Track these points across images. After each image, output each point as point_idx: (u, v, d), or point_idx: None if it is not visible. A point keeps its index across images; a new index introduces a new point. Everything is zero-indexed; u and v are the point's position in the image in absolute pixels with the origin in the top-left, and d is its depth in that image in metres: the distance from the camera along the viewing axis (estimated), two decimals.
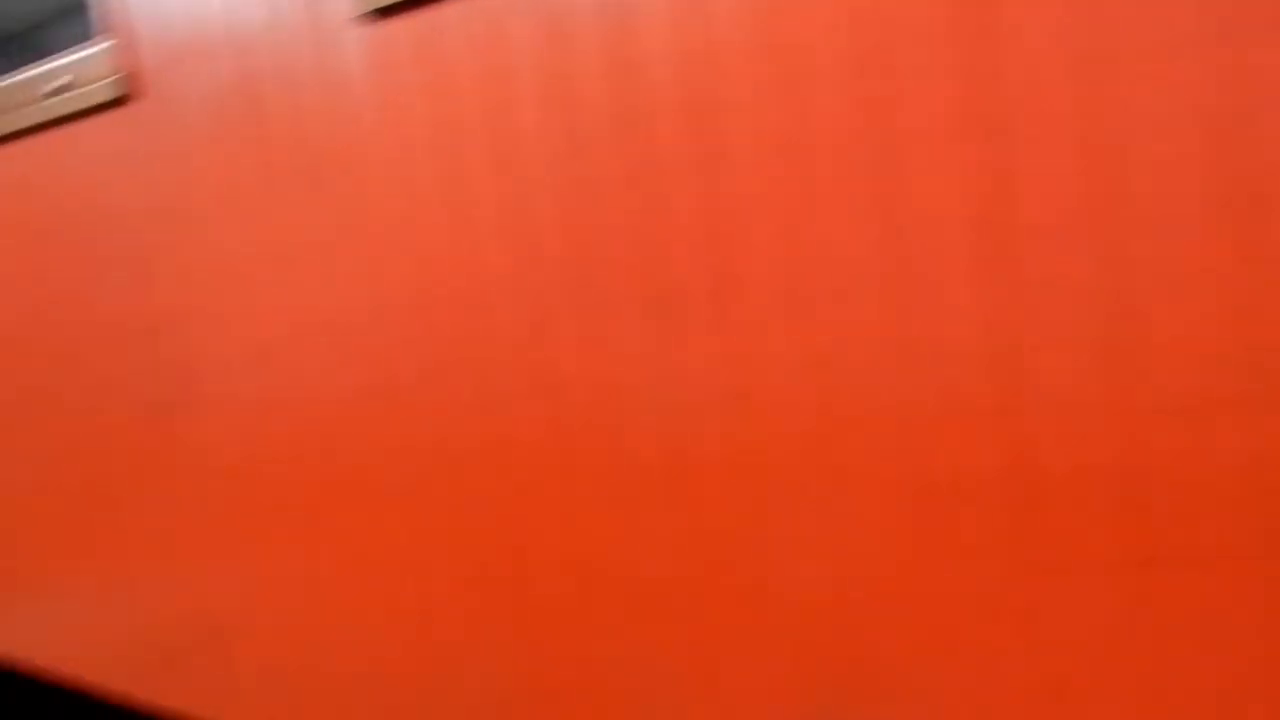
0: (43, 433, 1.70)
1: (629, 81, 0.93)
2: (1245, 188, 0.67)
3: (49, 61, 1.51)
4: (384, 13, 1.10)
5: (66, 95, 1.46)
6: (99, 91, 1.41)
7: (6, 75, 1.59)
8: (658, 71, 0.91)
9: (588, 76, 0.96)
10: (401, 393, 1.19)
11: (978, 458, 0.80)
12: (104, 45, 1.40)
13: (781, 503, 0.91)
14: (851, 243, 0.83)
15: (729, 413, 0.93)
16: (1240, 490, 0.70)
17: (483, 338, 1.11)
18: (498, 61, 1.02)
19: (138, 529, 1.58)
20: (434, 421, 1.17)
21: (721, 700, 0.99)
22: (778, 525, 0.92)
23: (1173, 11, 0.68)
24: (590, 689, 1.10)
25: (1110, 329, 0.73)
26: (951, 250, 0.78)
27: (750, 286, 0.89)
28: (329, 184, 1.19)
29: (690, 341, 0.94)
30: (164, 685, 1.61)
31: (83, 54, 1.44)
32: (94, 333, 1.54)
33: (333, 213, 1.20)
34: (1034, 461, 0.78)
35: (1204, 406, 0.71)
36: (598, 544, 1.05)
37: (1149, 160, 0.70)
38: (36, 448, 1.72)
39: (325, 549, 1.32)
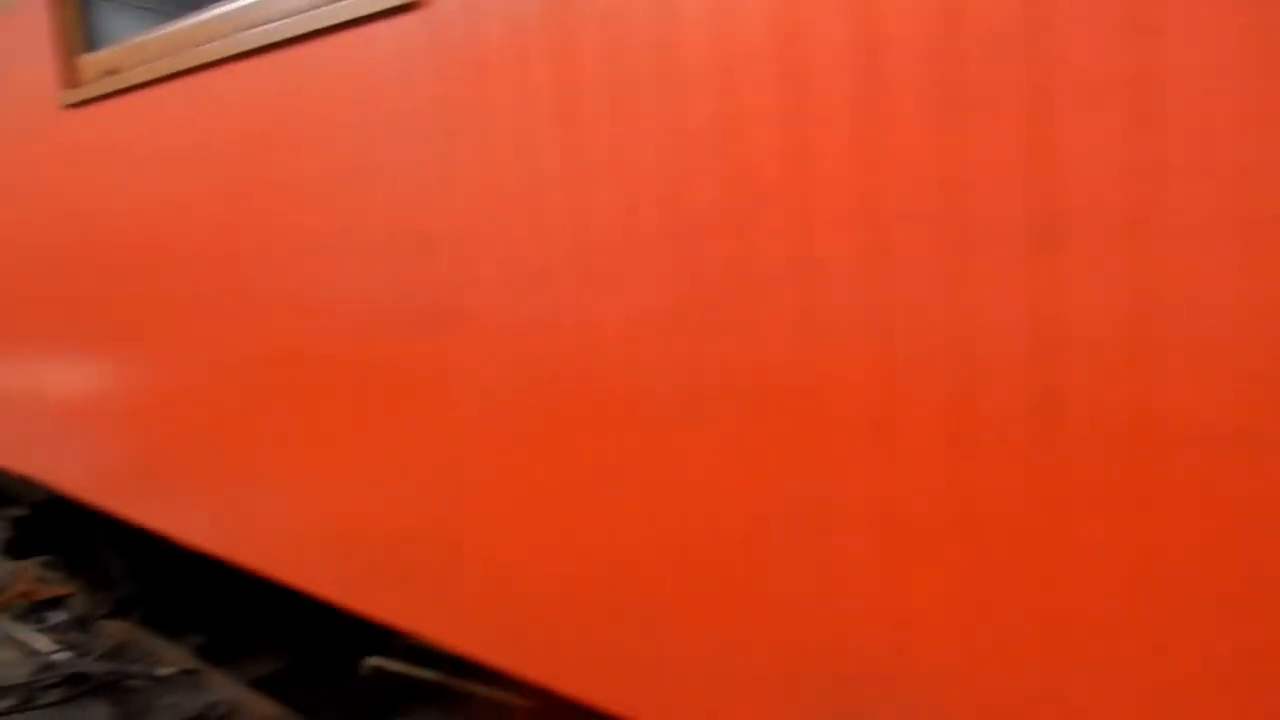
0: (307, 344, 1.66)
1: None
2: None
3: None
4: None
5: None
6: None
7: None
8: None
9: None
10: (683, 316, 1.12)
11: None
12: None
13: None
14: None
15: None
16: None
17: (765, 265, 1.04)
18: None
19: (392, 445, 1.54)
20: (705, 349, 1.10)
21: None
22: None
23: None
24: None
25: None
26: None
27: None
28: (638, 97, 1.12)
29: (992, 277, 0.89)
30: (393, 598, 1.59)
31: None
32: (366, 244, 1.49)
33: (638, 127, 1.12)
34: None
35: None
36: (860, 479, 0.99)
37: None
38: (298, 358, 1.68)
39: (580, 472, 1.27)
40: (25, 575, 4.58)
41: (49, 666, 3.38)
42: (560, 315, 1.25)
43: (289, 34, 1.53)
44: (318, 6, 1.48)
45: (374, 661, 2.22)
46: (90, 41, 2.09)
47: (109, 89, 1.97)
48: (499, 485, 1.37)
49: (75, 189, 2.12)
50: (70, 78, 2.08)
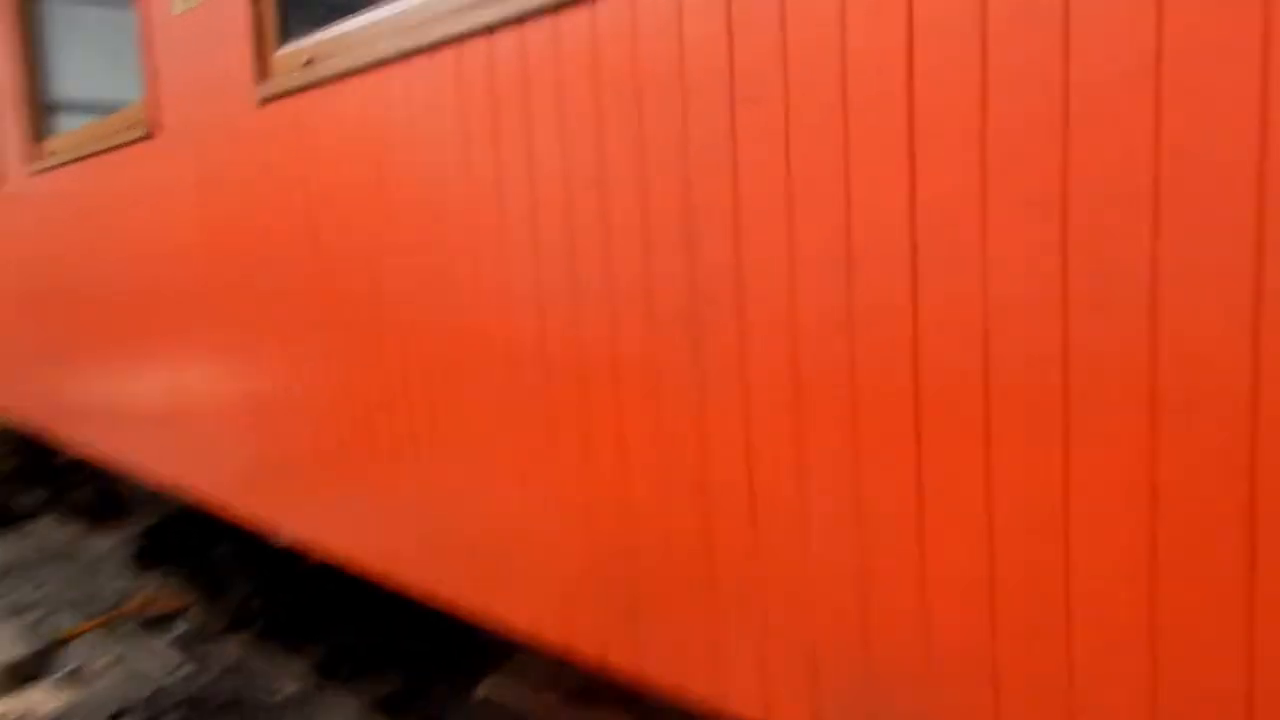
0: (521, 338, 1.55)
1: None
2: None
3: None
4: None
5: None
6: None
7: None
8: None
9: None
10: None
11: None
12: None
13: None
14: None
15: None
16: None
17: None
18: None
19: (623, 447, 1.43)
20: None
21: None
22: None
23: None
24: None
25: None
26: None
27: None
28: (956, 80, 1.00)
29: None
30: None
31: None
32: (627, 228, 1.37)
33: (956, 112, 1.00)
34: None
35: None
36: None
37: None
38: (527, 352, 1.57)
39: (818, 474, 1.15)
40: (146, 587, 4.60)
41: (165, 687, 3.36)
42: (872, 307, 1.10)
43: (516, 12, 1.44)
44: None
45: (488, 687, 2.17)
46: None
47: (306, 81, 1.92)
48: (784, 502, 1.22)
49: (269, 182, 2.08)
50: (264, 70, 2.05)
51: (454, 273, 1.67)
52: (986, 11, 0.96)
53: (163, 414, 2.80)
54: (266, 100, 2.04)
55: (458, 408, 1.71)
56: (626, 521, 1.42)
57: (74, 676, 3.56)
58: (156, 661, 3.70)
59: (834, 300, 1.12)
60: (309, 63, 1.92)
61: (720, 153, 1.22)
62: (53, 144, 3.21)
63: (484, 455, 1.67)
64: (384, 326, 1.86)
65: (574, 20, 1.38)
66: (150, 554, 4.46)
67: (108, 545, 5.24)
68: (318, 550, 2.22)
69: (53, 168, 3.14)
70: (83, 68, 3.45)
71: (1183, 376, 0.86)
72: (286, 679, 3.33)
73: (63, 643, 3.88)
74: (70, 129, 3.37)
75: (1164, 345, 0.87)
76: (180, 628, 4.22)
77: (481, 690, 2.20)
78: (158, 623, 4.32)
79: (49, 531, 5.74)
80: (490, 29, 1.51)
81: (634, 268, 1.35)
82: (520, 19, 1.45)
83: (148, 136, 2.48)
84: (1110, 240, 0.90)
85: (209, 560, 4.16)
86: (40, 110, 3.28)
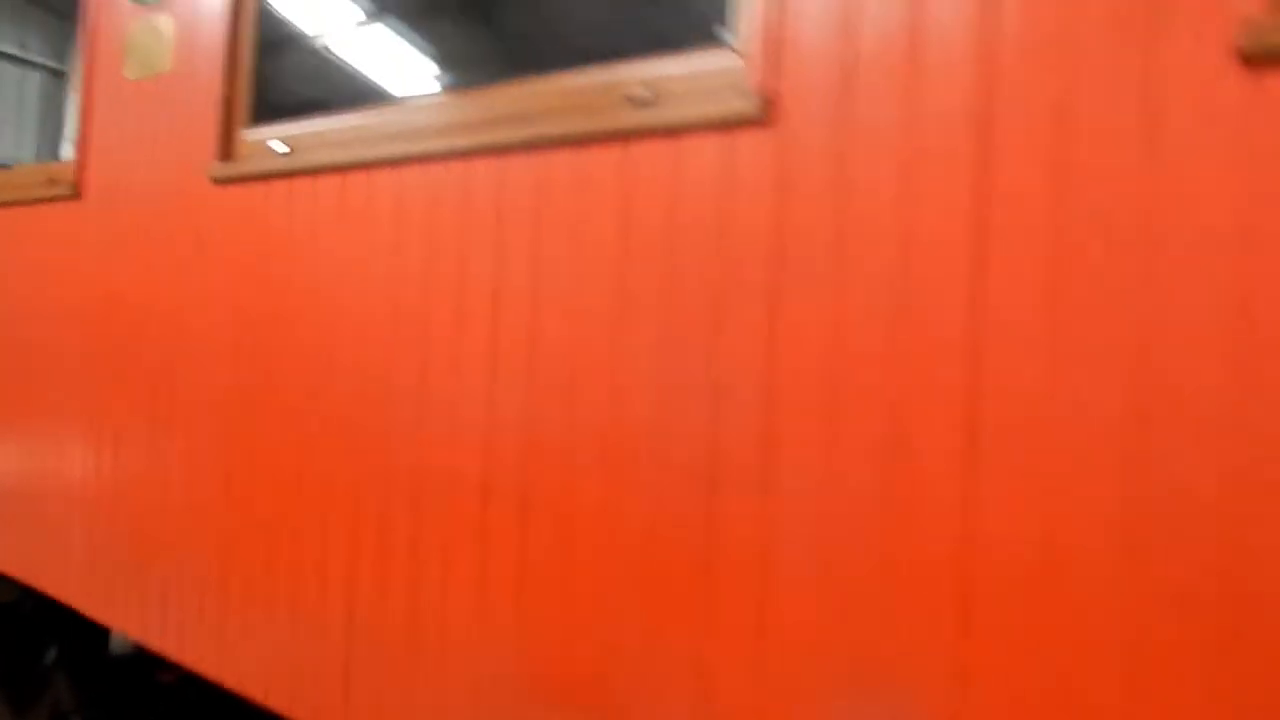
0: (560, 497, 1.40)
1: None
2: None
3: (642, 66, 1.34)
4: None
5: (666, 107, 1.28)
6: (725, 102, 1.22)
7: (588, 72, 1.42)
8: None
9: None
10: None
11: None
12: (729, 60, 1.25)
13: None
14: None
15: None
16: None
17: None
18: None
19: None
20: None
21: None
22: None
23: None
24: None
25: None
26: None
27: None
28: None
29: None
30: None
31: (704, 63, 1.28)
32: (642, 371, 1.28)
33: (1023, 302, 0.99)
34: None
35: None
36: None
37: None
38: (547, 513, 1.41)
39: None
40: None
41: None
42: (916, 497, 1.06)
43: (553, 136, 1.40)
44: (605, 110, 1.36)
45: None
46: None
47: (275, 168, 1.81)
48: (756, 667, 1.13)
49: (204, 263, 1.92)
50: (227, 150, 1.93)
51: (402, 395, 1.56)
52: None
53: (10, 490, 2.49)
54: (223, 180, 1.91)
55: (390, 540, 1.56)
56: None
57: None
58: None
59: (873, 486, 1.08)
60: (289, 152, 1.81)
61: (756, 309, 1.18)
62: None
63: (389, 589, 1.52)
64: (307, 439, 1.71)
65: (604, 157, 1.34)
66: None
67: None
68: (163, 653, 1.99)
69: None
70: None
71: None
72: None
73: None
74: None
75: None
76: None
77: None
78: None
79: None
80: (500, 150, 1.46)
81: (645, 412, 1.28)
82: (543, 146, 1.41)
83: (73, 196, 2.28)
84: None
85: (29, 663, 3.66)
86: None
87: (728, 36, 1.29)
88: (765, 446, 1.18)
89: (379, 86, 2.97)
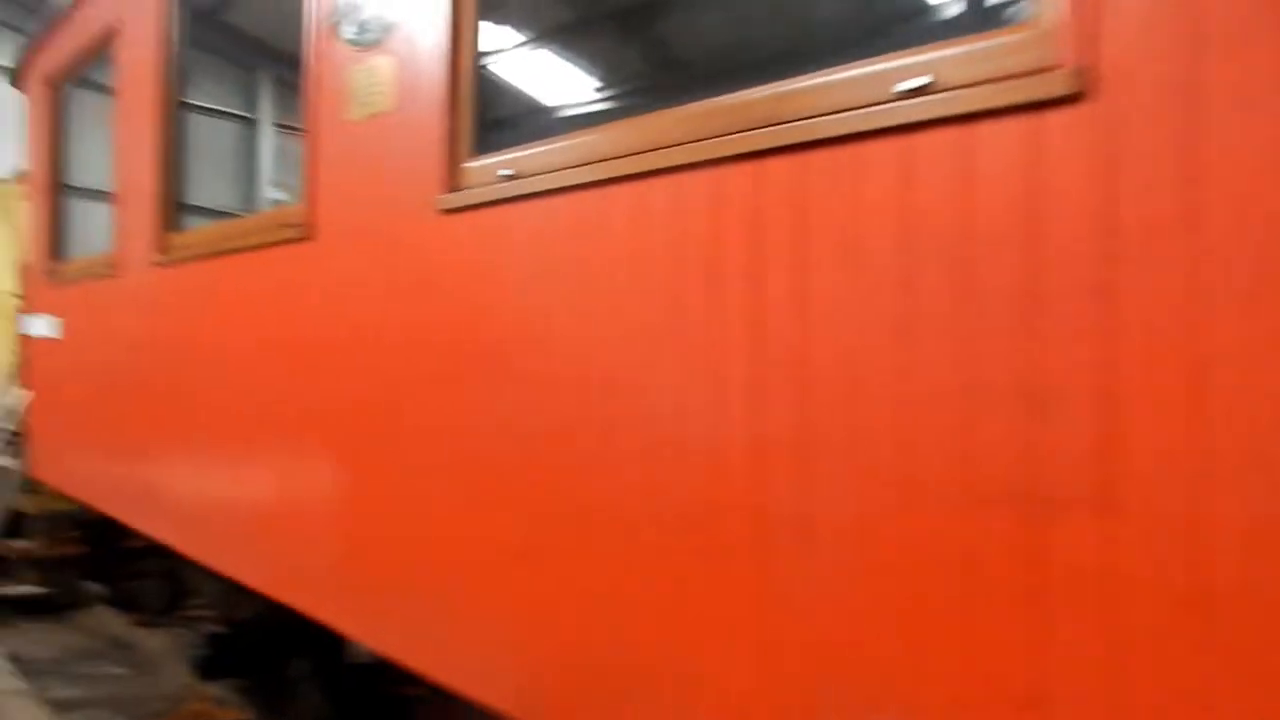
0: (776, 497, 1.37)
1: None
2: None
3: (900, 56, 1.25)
4: None
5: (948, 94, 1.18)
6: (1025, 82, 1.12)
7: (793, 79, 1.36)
8: None
9: None
10: None
11: None
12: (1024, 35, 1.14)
13: None
14: None
15: None
16: None
17: None
18: None
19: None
20: None
21: None
22: None
23: None
24: None
25: None
26: None
27: None
28: None
29: None
30: None
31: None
32: (958, 393, 1.18)
33: None
34: None
35: None
36: None
37: None
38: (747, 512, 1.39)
39: None
40: (200, 695, 4.35)
41: None
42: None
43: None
44: (867, 105, 1.26)
45: None
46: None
47: (501, 195, 1.81)
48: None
49: (440, 294, 1.95)
50: (453, 180, 1.94)
51: (655, 416, 1.50)
52: None
53: (258, 511, 2.64)
54: (451, 211, 1.92)
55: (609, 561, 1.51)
56: None
57: None
58: None
59: (1261, 502, 0.93)
60: (511, 176, 1.81)
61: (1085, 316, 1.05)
62: (182, 238, 3.15)
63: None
64: (540, 461, 1.69)
65: (877, 154, 1.24)
66: (215, 661, 4.22)
67: (166, 643, 5.01)
68: (409, 667, 2.04)
69: (180, 261, 3.08)
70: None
71: None
72: None
73: None
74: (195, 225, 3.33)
75: None
76: None
77: None
78: None
79: (104, 623, 5.52)
80: (755, 155, 1.38)
81: (943, 427, 1.17)
82: (803, 147, 1.32)
83: (305, 238, 2.38)
84: None
85: (279, 671, 3.91)
86: (173, 206, 3.24)
87: (1019, 9, 1.16)
88: (1102, 460, 1.04)
89: (551, 104, 2.98)
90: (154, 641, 5.10)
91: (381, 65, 2.13)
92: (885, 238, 1.23)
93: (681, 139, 1.50)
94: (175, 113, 3.24)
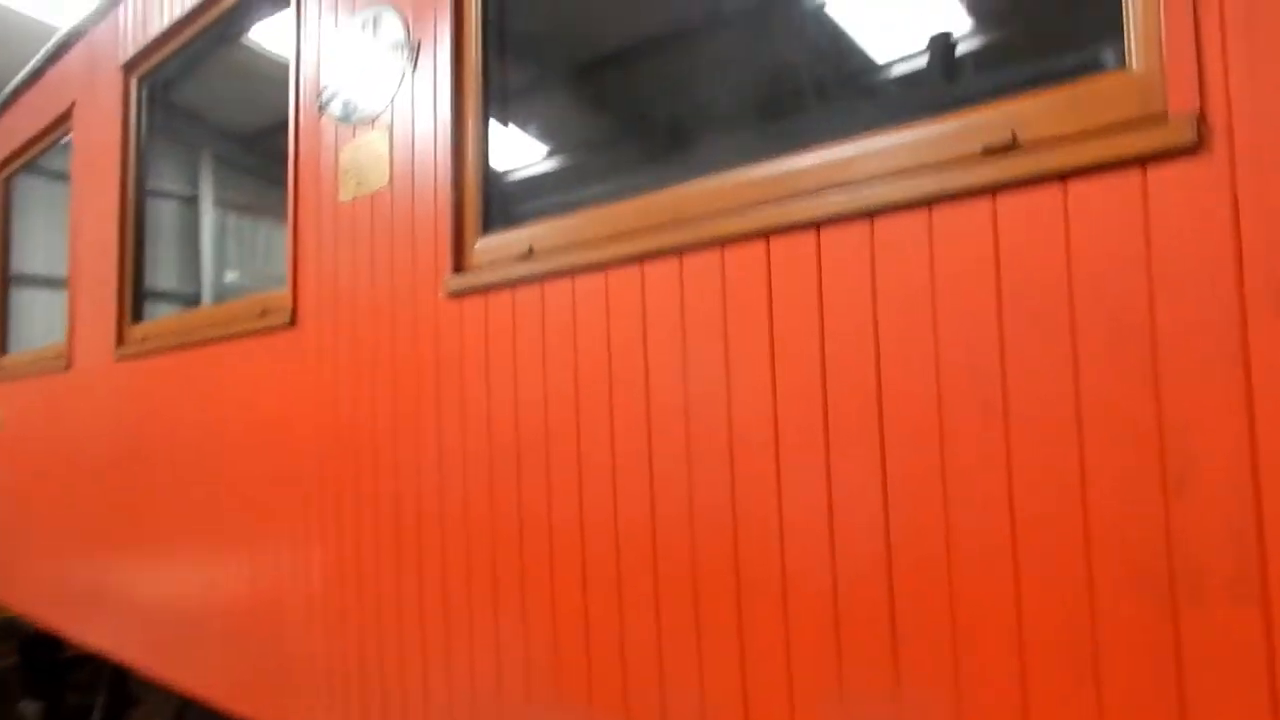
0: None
1: None
2: None
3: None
4: None
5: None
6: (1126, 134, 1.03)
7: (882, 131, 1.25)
8: None
9: None
10: None
11: None
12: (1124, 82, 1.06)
13: None
14: None
15: None
16: None
17: None
18: None
19: None
20: None
21: None
22: None
23: None
24: None
25: None
26: None
27: None
28: None
29: None
30: None
31: None
32: (1071, 471, 1.06)
33: None
34: None
35: None
36: None
37: None
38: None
39: None
40: None
41: None
42: None
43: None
44: (954, 166, 1.17)
45: None
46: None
47: (515, 275, 1.68)
48: None
49: (463, 384, 1.79)
50: (461, 261, 1.81)
51: (706, 505, 1.37)
52: None
53: (200, 613, 2.40)
54: (459, 293, 1.79)
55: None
56: None
57: None
58: None
59: None
60: (529, 253, 1.68)
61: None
62: (145, 329, 2.95)
63: None
64: (565, 554, 1.53)
65: (961, 217, 1.15)
66: None
67: None
68: None
69: (143, 354, 2.87)
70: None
71: None
72: None
73: None
74: (157, 315, 3.13)
75: None
76: None
77: None
78: None
79: None
80: (817, 223, 1.28)
81: (1056, 508, 1.06)
82: (875, 211, 1.22)
83: (288, 325, 2.22)
84: None
85: None
86: (136, 296, 3.04)
87: (1125, 56, 1.09)
88: (1254, 544, 0.93)
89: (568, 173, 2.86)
90: None
91: (375, 141, 2.01)
92: (974, 307, 1.13)
93: (728, 207, 1.40)
94: (138, 197, 3.07)
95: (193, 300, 5.11)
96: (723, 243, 1.38)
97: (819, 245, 1.28)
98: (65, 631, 3.40)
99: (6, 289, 4.26)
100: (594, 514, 1.55)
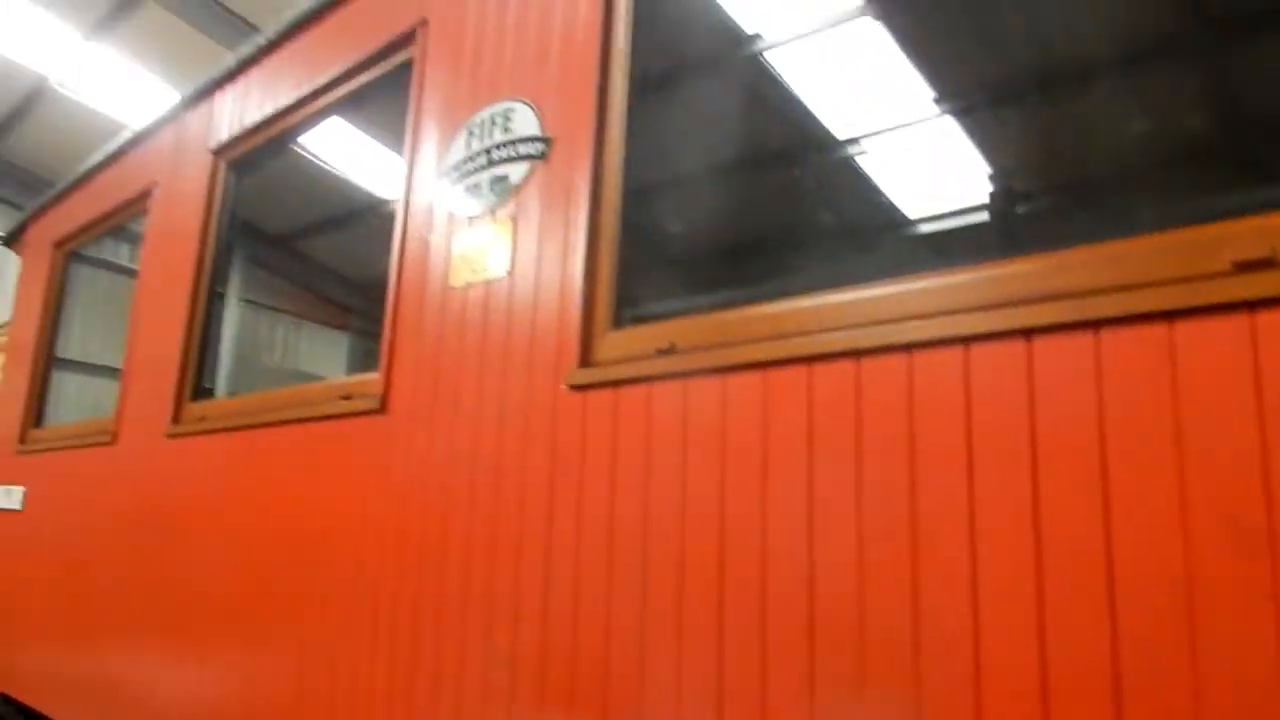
0: None
1: None
2: None
3: None
4: None
5: None
6: None
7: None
8: None
9: None
10: None
11: None
12: None
13: None
14: None
15: None
16: None
17: None
18: None
19: None
20: None
21: None
22: None
23: None
24: None
25: None
26: None
27: None
28: None
29: None
30: None
31: None
32: None
33: None
34: None
35: None
36: None
37: None
38: None
39: None
40: None
41: None
42: None
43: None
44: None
45: None
46: None
47: (654, 372, 1.55)
48: None
49: (589, 483, 1.62)
50: (588, 354, 1.68)
51: (887, 630, 1.20)
52: None
53: (230, 710, 2.14)
54: (585, 386, 1.65)
55: None
56: None
57: None
58: None
59: None
60: (668, 349, 1.56)
61: None
62: (204, 408, 2.78)
63: None
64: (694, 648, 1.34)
65: (1210, 331, 1.03)
66: None
67: None
68: None
69: (200, 432, 2.69)
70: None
71: None
72: None
73: None
74: (212, 399, 2.97)
75: None
76: None
77: None
78: None
79: None
80: (1027, 332, 1.16)
81: None
82: (1091, 324, 1.11)
83: (377, 410, 2.06)
84: None
85: None
86: (197, 374, 2.89)
87: None
88: None
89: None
90: None
91: (497, 229, 1.91)
92: (1230, 433, 1.00)
93: (923, 312, 1.28)
94: (213, 275, 2.96)
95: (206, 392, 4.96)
96: (910, 349, 1.26)
97: (1030, 354, 1.16)
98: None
99: (51, 363, 4.09)
100: (735, 623, 1.37)
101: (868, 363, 1.31)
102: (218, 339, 3.05)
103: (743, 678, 1.35)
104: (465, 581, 1.78)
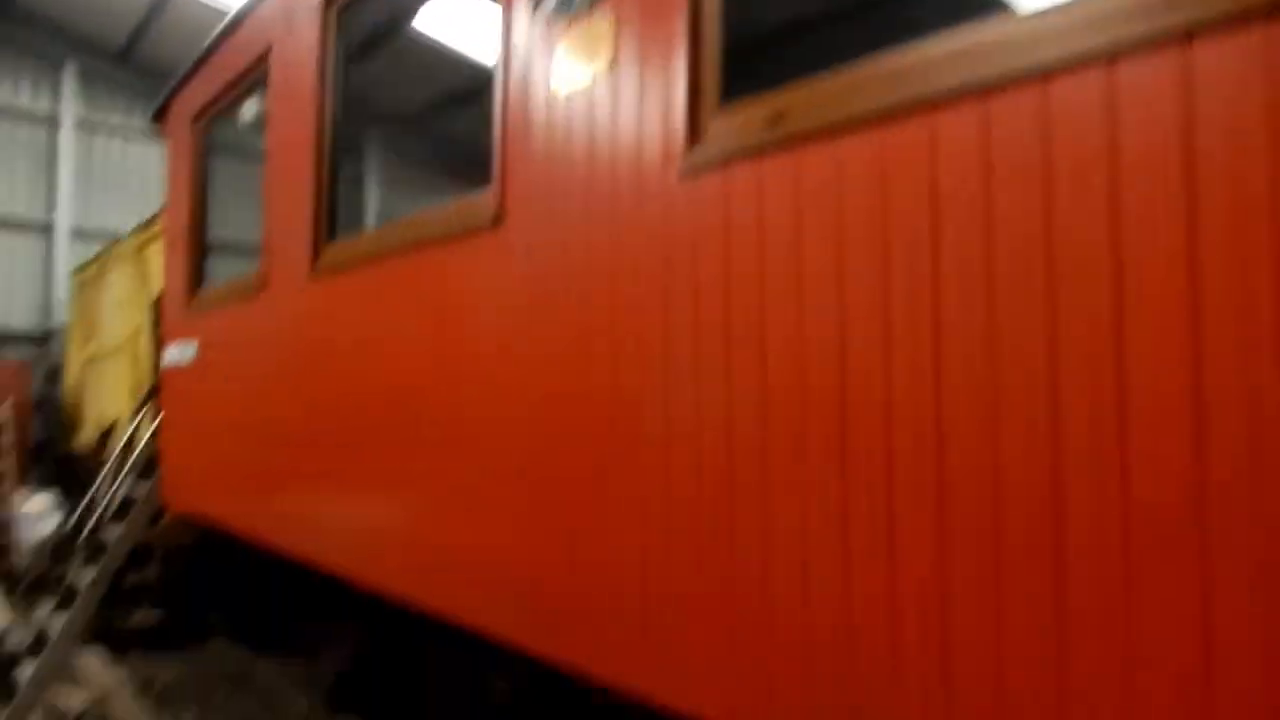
0: None
1: None
2: None
3: None
4: None
5: None
6: None
7: None
8: None
9: None
10: None
11: None
12: None
13: None
14: None
15: None
16: None
17: None
18: None
19: None
20: None
21: None
22: None
23: None
24: None
25: None
26: None
27: None
28: None
29: None
30: None
31: None
32: None
33: None
34: None
35: None
36: None
37: None
38: None
39: None
40: None
41: None
42: None
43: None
44: None
45: None
46: None
47: (762, 141, 1.46)
48: None
49: (702, 275, 1.58)
50: (696, 135, 1.60)
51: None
52: None
53: (438, 535, 2.28)
54: (694, 170, 1.58)
55: None
56: None
57: None
58: None
59: None
60: (778, 118, 1.46)
61: None
62: (339, 247, 2.87)
63: None
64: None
65: None
66: (347, 691, 3.85)
67: (289, 674, 4.65)
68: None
69: (338, 269, 2.79)
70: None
71: None
72: None
73: None
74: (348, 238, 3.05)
75: None
76: None
77: None
78: None
79: (221, 655, 5.19)
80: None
81: None
82: None
83: (493, 224, 2.06)
84: None
85: (413, 703, 3.51)
86: (331, 215, 2.96)
87: None
88: None
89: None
90: (276, 672, 4.75)
91: (597, 25, 1.81)
92: None
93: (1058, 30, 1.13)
94: (334, 120, 2.99)
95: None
96: (1045, 77, 1.12)
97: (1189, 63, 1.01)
98: (273, 546, 3.36)
99: (205, 226, 4.31)
100: (858, 397, 1.32)
101: (996, 102, 1.18)
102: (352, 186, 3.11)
103: (868, 458, 1.31)
104: (579, 379, 1.80)
